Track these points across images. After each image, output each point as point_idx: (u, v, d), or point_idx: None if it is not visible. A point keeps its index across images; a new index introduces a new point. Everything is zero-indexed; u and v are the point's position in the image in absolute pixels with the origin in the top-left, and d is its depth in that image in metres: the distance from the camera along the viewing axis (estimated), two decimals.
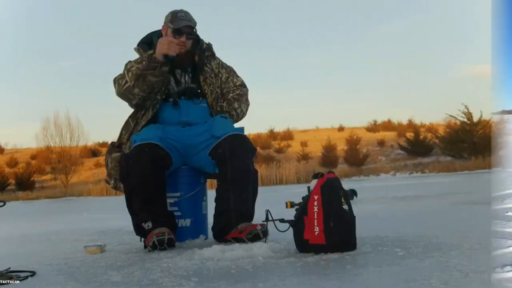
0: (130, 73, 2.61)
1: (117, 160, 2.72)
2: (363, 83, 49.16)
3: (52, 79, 45.02)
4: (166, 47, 2.57)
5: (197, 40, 2.77)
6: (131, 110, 2.80)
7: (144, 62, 2.59)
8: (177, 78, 2.76)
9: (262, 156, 25.26)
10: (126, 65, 2.69)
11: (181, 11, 2.73)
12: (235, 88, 2.84)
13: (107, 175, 2.82)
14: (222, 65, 2.86)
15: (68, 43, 45.74)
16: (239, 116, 2.83)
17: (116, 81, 2.68)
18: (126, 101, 2.71)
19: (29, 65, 44.98)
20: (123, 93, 2.66)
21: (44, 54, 45.82)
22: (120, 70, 2.72)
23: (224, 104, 2.79)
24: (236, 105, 2.80)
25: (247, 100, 2.88)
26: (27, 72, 45.33)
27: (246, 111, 2.87)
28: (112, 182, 2.80)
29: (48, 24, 45.07)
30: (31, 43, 45.87)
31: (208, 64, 2.81)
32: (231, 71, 2.88)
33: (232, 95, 2.82)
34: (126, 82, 2.62)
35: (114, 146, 2.78)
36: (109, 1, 45.86)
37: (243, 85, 2.89)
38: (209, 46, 2.85)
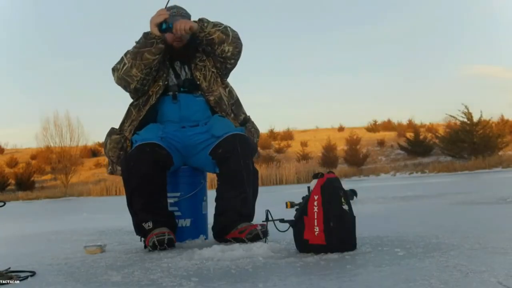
0: (128, 55, 2.62)
1: (116, 141, 2.71)
2: (363, 83, 49.25)
3: (52, 79, 45.11)
4: (155, 17, 2.56)
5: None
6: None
7: (141, 41, 2.60)
8: (177, 71, 2.76)
9: (262, 156, 25.28)
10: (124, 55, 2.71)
11: (174, 6, 2.72)
12: None
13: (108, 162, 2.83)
14: None
15: (68, 43, 45.80)
16: (220, 26, 2.65)
17: (115, 67, 2.68)
18: (125, 86, 2.68)
19: (29, 65, 45.02)
20: (122, 77, 2.64)
21: (44, 54, 45.86)
22: None
23: (202, 18, 2.67)
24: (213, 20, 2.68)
25: (233, 29, 2.71)
26: (27, 72, 45.41)
27: (231, 29, 2.68)
28: (109, 167, 2.80)
29: (48, 24, 45.10)
30: (31, 43, 45.90)
31: (199, 48, 2.78)
32: None
33: None
34: (125, 64, 2.63)
35: (115, 130, 2.77)
36: (109, 1, 45.89)
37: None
38: None
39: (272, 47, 50.32)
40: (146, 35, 2.59)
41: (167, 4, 2.65)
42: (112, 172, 2.78)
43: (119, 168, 2.72)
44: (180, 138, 2.68)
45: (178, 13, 2.70)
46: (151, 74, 2.65)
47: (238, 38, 2.71)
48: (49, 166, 29.07)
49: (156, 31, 2.56)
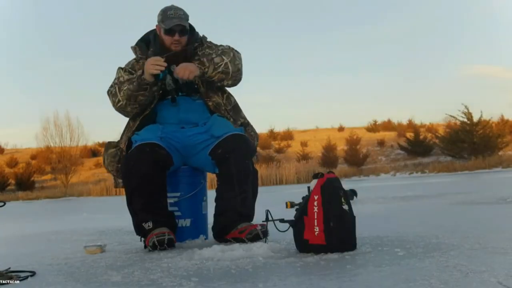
0: (122, 92, 2.62)
1: (113, 155, 2.74)
2: (363, 83, 49.27)
3: (52, 79, 45.13)
4: (151, 67, 2.53)
5: (192, 35, 2.73)
6: None
7: (134, 83, 2.58)
8: (173, 74, 2.70)
9: (262, 156, 25.26)
10: (118, 72, 2.71)
11: (171, 8, 2.68)
12: (220, 48, 2.71)
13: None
14: (208, 46, 2.75)
15: (68, 43, 45.81)
16: (220, 66, 2.60)
17: (110, 96, 2.69)
18: (123, 115, 2.74)
19: (29, 65, 45.04)
20: (118, 109, 2.69)
21: (44, 54, 45.87)
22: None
23: (203, 59, 2.62)
24: (213, 55, 2.63)
25: (235, 56, 2.67)
26: (27, 72, 45.43)
27: (233, 62, 2.63)
28: (113, 182, 2.82)
29: (48, 24, 45.11)
30: (31, 43, 45.90)
31: (198, 52, 2.73)
32: (216, 46, 2.75)
33: (214, 51, 2.68)
34: (119, 101, 2.64)
35: (111, 144, 2.79)
36: (109, 1, 45.92)
37: (229, 47, 2.73)
38: (202, 37, 2.78)
39: (272, 47, 50.33)
40: (140, 79, 2.57)
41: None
42: (116, 186, 2.79)
43: (121, 181, 2.72)
44: (180, 138, 2.67)
45: (176, 14, 2.65)
46: (147, 107, 2.68)
47: (238, 70, 2.68)
48: (49, 166, 29.06)
49: (151, 79, 2.55)
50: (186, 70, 2.55)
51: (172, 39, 2.66)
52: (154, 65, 2.53)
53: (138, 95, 2.59)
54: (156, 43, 2.73)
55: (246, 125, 2.82)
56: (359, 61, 50.21)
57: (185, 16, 2.70)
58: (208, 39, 2.81)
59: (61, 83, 45.27)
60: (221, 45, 2.76)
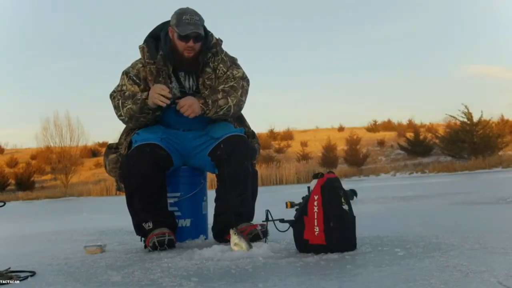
0: (125, 109, 2.58)
1: (114, 161, 2.71)
2: (363, 83, 49.27)
3: (52, 79, 45.16)
4: (156, 96, 2.45)
5: (205, 42, 2.63)
6: None
7: (138, 105, 2.53)
8: (181, 81, 2.68)
9: (262, 156, 25.25)
10: (122, 78, 2.65)
11: (186, 12, 2.57)
12: (231, 79, 2.63)
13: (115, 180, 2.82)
14: (222, 59, 2.67)
15: (68, 43, 45.82)
16: (222, 109, 2.56)
17: (113, 104, 2.63)
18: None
19: (29, 65, 45.05)
20: (120, 120, 2.66)
21: (44, 54, 45.88)
22: (119, 67, 2.71)
23: (206, 92, 2.58)
24: (219, 95, 2.55)
25: (243, 94, 2.63)
26: (27, 72, 45.44)
27: (237, 105, 2.60)
28: (115, 185, 2.81)
29: (48, 24, 45.12)
30: (31, 43, 45.91)
31: (210, 64, 2.67)
32: (231, 64, 2.67)
33: (223, 87, 2.60)
34: (121, 115, 2.60)
35: (111, 148, 2.77)
36: (109, 1, 45.93)
37: (242, 78, 2.66)
38: (217, 43, 2.69)
39: (272, 47, 50.34)
40: (143, 103, 2.51)
41: None
42: (119, 189, 2.78)
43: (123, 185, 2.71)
44: (180, 139, 2.67)
45: (192, 20, 2.54)
46: (150, 125, 2.66)
47: (241, 109, 2.66)
48: (49, 166, 29.06)
49: (154, 106, 2.50)
50: (189, 109, 2.49)
51: (186, 45, 2.56)
52: (159, 95, 2.45)
53: (140, 117, 2.57)
54: (167, 45, 2.63)
55: (251, 136, 2.78)
56: (359, 61, 50.25)
57: (201, 22, 2.59)
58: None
59: (61, 83, 45.36)
60: (233, 66, 2.67)
